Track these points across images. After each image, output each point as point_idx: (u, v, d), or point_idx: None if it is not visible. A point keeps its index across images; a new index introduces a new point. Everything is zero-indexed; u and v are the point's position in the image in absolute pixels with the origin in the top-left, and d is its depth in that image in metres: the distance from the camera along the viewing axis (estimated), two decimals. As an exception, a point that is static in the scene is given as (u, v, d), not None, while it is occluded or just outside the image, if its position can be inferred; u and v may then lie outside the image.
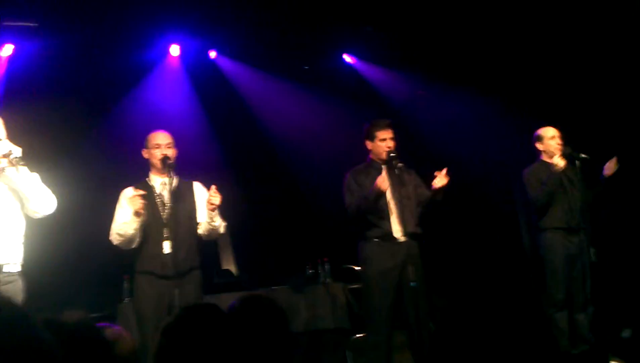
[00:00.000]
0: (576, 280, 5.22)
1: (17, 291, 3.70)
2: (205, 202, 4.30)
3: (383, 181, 4.59)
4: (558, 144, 5.32)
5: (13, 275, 3.72)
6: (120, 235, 4.26)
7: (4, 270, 3.68)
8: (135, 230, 4.22)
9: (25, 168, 3.68)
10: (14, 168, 3.62)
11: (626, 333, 5.20)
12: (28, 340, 1.33)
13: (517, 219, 6.78)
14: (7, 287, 3.66)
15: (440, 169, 4.70)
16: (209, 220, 4.33)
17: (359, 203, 4.72)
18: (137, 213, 4.15)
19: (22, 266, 3.80)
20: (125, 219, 4.25)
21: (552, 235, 5.26)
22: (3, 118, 3.93)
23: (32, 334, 1.35)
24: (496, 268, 6.85)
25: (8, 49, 6.17)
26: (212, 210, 4.28)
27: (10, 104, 5.83)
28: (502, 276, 6.77)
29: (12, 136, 3.86)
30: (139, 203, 4.12)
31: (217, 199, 4.22)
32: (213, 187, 4.25)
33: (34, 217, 3.82)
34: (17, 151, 3.65)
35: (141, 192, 4.17)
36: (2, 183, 3.75)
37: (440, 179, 4.66)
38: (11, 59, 6.21)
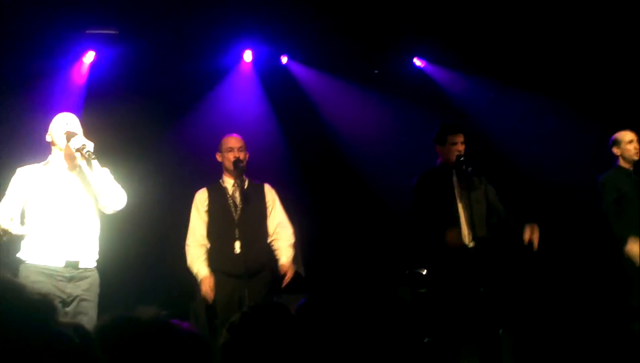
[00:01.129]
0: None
1: (92, 287, 3.79)
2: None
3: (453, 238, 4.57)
4: (636, 148, 5.14)
5: (89, 271, 3.81)
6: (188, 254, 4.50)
7: (80, 265, 3.75)
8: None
9: (97, 162, 3.76)
10: (85, 161, 3.70)
11: None
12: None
13: (595, 226, 6.57)
14: (82, 283, 3.74)
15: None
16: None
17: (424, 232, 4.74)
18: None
19: (97, 262, 3.88)
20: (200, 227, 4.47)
21: (628, 233, 5.05)
22: (84, 121, 4.09)
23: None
24: (574, 277, 6.65)
25: (90, 56, 6.45)
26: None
27: (92, 108, 6.12)
28: (581, 285, 6.56)
29: (92, 138, 3.98)
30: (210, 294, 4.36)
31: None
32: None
33: (105, 212, 3.87)
34: (90, 146, 3.72)
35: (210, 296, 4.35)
36: (76, 179, 3.83)
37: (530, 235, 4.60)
38: (93, 65, 6.48)
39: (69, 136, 3.76)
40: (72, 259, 3.73)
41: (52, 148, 3.88)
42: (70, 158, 3.81)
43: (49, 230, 3.72)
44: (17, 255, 3.76)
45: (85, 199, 3.83)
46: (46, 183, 3.79)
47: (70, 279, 3.71)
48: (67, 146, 3.75)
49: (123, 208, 3.92)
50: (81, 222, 3.79)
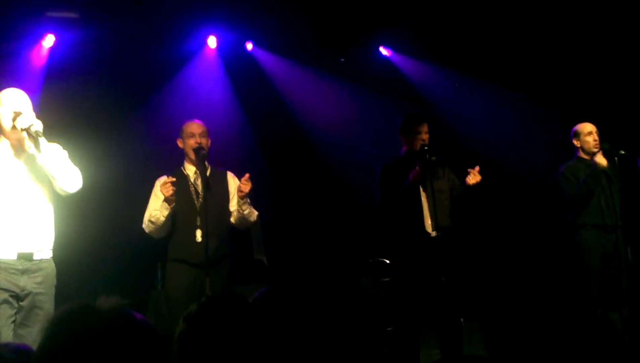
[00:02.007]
0: (611, 279, 5.13)
1: (47, 279, 3.61)
2: (236, 190, 4.34)
3: (417, 174, 4.57)
4: (595, 141, 5.23)
5: (44, 262, 3.62)
6: (151, 222, 4.30)
7: (34, 257, 3.56)
8: (165, 217, 4.24)
9: (44, 140, 3.52)
10: (34, 142, 3.46)
11: None
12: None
13: (552, 216, 6.68)
14: (37, 275, 3.56)
15: (474, 166, 4.66)
16: (238, 208, 4.37)
17: (387, 221, 4.73)
18: (168, 200, 4.19)
19: (53, 251, 3.70)
20: (157, 207, 4.30)
21: (588, 232, 5.17)
22: (43, 105, 3.94)
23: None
24: (532, 265, 6.75)
25: (50, 40, 6.30)
26: (242, 198, 4.31)
27: (51, 93, 5.98)
28: (538, 274, 6.67)
29: (51, 123, 3.84)
30: (170, 190, 4.14)
31: (247, 187, 4.25)
32: (246, 175, 4.27)
33: (60, 194, 3.67)
34: (38, 125, 3.49)
35: (172, 179, 4.19)
36: (27, 168, 3.60)
37: (473, 177, 4.62)
38: (53, 49, 6.34)
39: (16, 115, 3.51)
40: (25, 251, 3.54)
41: None
42: (17, 140, 3.57)
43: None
44: None
45: (36, 186, 3.62)
46: None
47: (24, 272, 3.53)
48: (14, 127, 3.51)
49: (80, 192, 3.71)
50: (32, 211, 3.59)
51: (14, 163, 3.61)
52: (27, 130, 3.48)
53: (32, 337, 3.41)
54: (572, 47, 6.53)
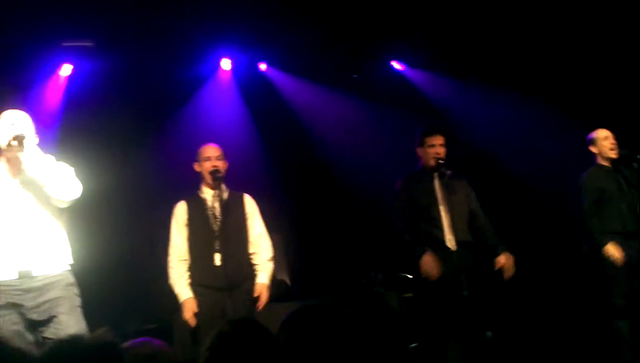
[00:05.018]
0: (638, 288, 5.04)
1: (66, 292, 3.53)
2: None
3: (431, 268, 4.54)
4: (612, 144, 5.19)
5: (50, 277, 3.51)
6: (170, 269, 4.42)
7: (34, 274, 3.46)
8: None
9: (38, 150, 3.48)
10: (18, 147, 3.39)
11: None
12: None
13: (574, 224, 6.61)
14: (46, 291, 3.47)
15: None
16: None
17: (404, 243, 4.72)
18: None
19: (72, 266, 3.63)
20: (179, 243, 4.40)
21: (609, 240, 5.09)
22: (63, 134, 3.94)
23: None
24: (555, 275, 6.68)
25: (67, 69, 6.40)
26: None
27: (70, 122, 6.08)
28: (562, 283, 6.59)
29: (71, 151, 3.83)
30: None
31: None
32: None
33: (58, 205, 3.57)
34: (29, 134, 3.45)
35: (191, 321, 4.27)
36: (24, 186, 3.54)
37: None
38: (70, 78, 6.43)
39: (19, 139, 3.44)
40: (24, 269, 3.46)
41: None
42: (12, 161, 3.54)
43: None
44: None
45: (34, 202, 3.55)
46: None
47: (28, 291, 3.45)
48: (9, 145, 3.45)
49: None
50: (31, 228, 3.51)
51: (11, 181, 3.57)
52: (9, 142, 3.42)
53: None
54: (589, 54, 6.48)
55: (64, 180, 3.52)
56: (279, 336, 2.13)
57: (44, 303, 3.48)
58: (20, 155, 3.45)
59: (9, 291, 3.44)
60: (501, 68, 6.81)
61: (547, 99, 6.72)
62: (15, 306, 3.43)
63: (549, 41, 6.49)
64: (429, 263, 4.54)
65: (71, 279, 3.63)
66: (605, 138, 5.23)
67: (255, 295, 4.35)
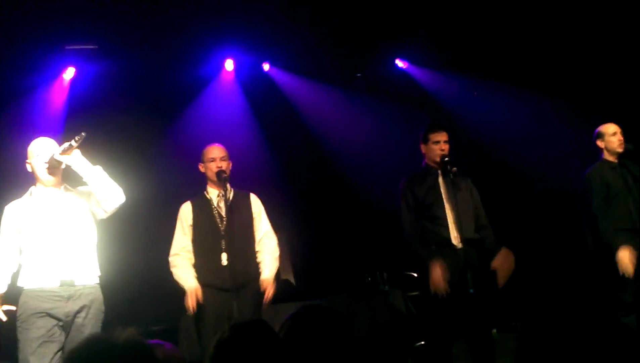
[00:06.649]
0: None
1: (94, 305, 3.78)
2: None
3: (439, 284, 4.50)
4: (620, 140, 5.15)
5: (88, 288, 3.79)
6: (173, 268, 4.43)
7: (76, 283, 3.74)
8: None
9: (84, 159, 3.78)
10: (73, 149, 3.70)
11: None
12: None
13: (581, 220, 6.60)
14: (82, 300, 3.73)
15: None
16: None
17: (411, 242, 4.68)
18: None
19: (100, 278, 3.88)
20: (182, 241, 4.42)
21: (622, 243, 5.02)
22: (66, 138, 4.02)
23: None
24: (561, 271, 6.66)
25: (70, 72, 6.41)
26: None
27: (74, 125, 6.07)
28: (568, 279, 6.58)
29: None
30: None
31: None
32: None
33: (105, 210, 3.83)
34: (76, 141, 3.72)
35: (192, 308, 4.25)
36: (64, 202, 3.83)
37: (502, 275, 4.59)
38: (74, 81, 6.45)
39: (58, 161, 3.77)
40: (67, 278, 3.73)
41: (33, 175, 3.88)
42: (55, 172, 3.82)
43: (42, 254, 3.74)
44: (17, 284, 3.78)
45: (75, 214, 3.84)
46: (33, 212, 3.80)
47: (69, 298, 3.71)
48: (50, 169, 3.79)
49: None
50: (72, 240, 3.79)
51: (52, 200, 3.84)
52: (65, 150, 3.71)
53: None
54: (594, 51, 6.47)
55: (112, 187, 3.81)
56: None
57: (78, 311, 3.73)
58: (72, 163, 3.74)
59: (49, 297, 3.68)
60: (506, 65, 6.79)
61: (551, 96, 6.70)
62: (49, 312, 3.65)
63: (552, 38, 6.47)
64: (437, 278, 4.49)
65: (100, 291, 3.89)
66: (614, 133, 5.18)
67: (262, 289, 4.33)
